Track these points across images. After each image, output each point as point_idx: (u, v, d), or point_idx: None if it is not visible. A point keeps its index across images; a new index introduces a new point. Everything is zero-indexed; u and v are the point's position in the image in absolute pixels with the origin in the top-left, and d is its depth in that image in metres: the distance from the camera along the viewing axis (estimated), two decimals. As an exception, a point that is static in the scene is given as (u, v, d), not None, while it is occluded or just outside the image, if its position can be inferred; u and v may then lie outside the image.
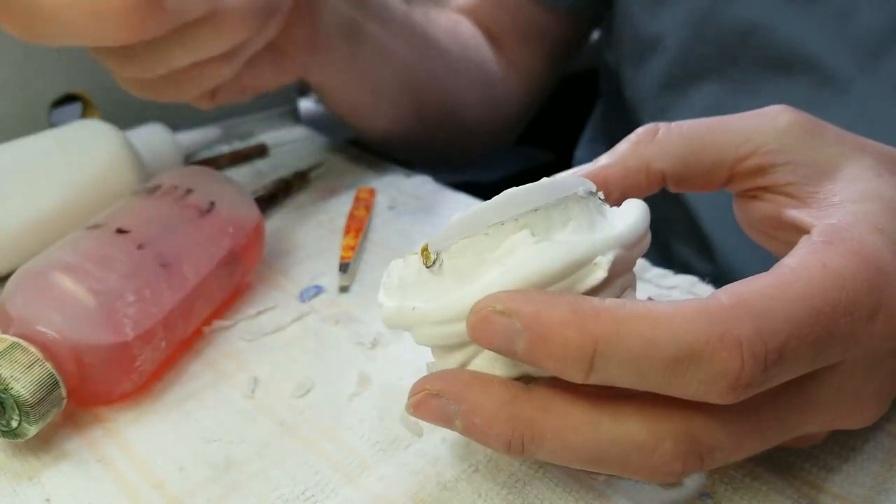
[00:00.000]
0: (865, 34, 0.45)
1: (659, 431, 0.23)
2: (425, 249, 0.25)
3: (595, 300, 0.22)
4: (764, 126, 0.29)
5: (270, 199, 0.49)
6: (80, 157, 0.42)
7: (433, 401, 0.24)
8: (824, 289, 0.23)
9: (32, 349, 0.29)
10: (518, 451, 0.23)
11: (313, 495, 0.29)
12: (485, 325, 0.23)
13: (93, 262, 0.32)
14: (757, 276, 0.23)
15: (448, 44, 0.59)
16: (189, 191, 0.37)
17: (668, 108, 0.54)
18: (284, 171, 0.53)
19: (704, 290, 0.40)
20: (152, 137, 0.49)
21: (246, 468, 0.30)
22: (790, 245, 0.26)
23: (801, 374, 0.23)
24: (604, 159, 0.30)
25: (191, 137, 0.53)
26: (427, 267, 0.25)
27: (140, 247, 0.33)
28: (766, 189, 0.29)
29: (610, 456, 0.23)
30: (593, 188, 0.26)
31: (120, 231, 0.34)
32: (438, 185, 0.53)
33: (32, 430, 0.29)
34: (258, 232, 0.40)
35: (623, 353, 0.21)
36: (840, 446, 0.30)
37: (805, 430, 0.25)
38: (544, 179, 0.26)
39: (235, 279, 0.39)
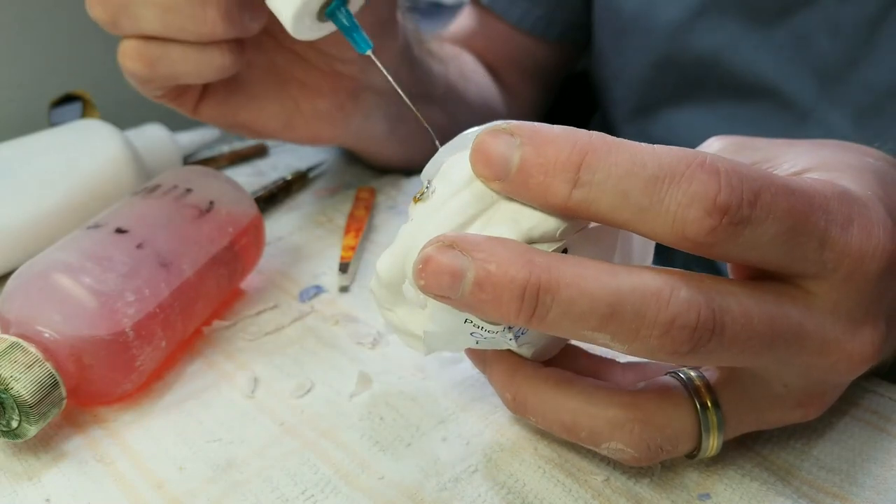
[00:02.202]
0: (824, 60, 0.46)
1: (674, 281, 0.23)
2: (416, 196, 0.26)
3: None
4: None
5: (270, 198, 0.50)
6: (79, 157, 0.42)
7: (446, 253, 0.23)
8: (797, 183, 0.24)
9: (32, 349, 0.29)
10: (531, 304, 0.23)
11: (313, 495, 0.29)
12: (492, 140, 0.24)
13: (92, 261, 0.32)
14: None
15: (469, 91, 0.59)
16: (188, 190, 0.37)
17: (644, 132, 0.56)
18: (285, 171, 0.53)
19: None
20: (151, 137, 0.50)
21: (246, 468, 0.30)
22: None
23: (779, 251, 0.24)
24: None
25: (189, 138, 0.53)
26: (419, 200, 0.26)
27: (139, 246, 0.33)
28: None
29: (627, 307, 0.23)
30: None
31: (119, 231, 0.34)
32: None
33: (32, 430, 0.29)
34: (258, 231, 0.40)
35: (609, 168, 0.23)
36: (840, 447, 0.30)
37: (808, 346, 0.25)
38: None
39: (236, 279, 0.39)
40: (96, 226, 0.34)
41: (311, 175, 0.54)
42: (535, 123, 0.24)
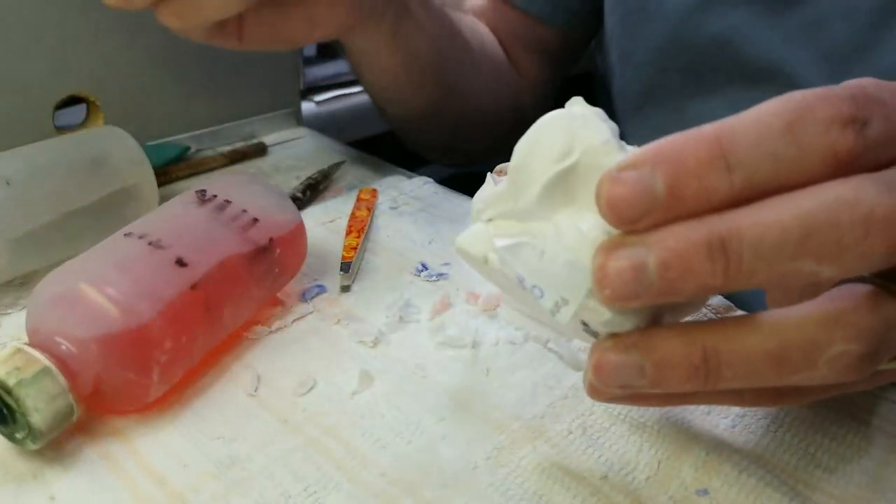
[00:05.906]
0: (836, 45, 0.46)
1: (853, 182, 0.22)
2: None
3: None
4: None
5: (299, 200, 0.50)
6: (103, 168, 0.43)
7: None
8: None
9: (60, 379, 0.29)
10: (722, 257, 0.21)
11: (315, 492, 0.29)
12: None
13: (114, 269, 0.31)
14: None
15: (471, 39, 0.61)
16: (227, 201, 0.37)
17: (650, 117, 0.55)
18: (287, 172, 0.54)
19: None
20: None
21: (249, 465, 0.30)
22: None
23: None
24: None
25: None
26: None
27: (162, 250, 0.33)
28: None
29: (819, 221, 0.21)
30: None
31: (143, 237, 0.33)
32: (438, 185, 0.54)
33: (34, 446, 0.29)
34: (297, 239, 0.39)
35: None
36: (837, 443, 0.31)
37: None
38: None
39: (275, 286, 0.38)
40: (125, 234, 0.34)
41: (335, 174, 0.54)
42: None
